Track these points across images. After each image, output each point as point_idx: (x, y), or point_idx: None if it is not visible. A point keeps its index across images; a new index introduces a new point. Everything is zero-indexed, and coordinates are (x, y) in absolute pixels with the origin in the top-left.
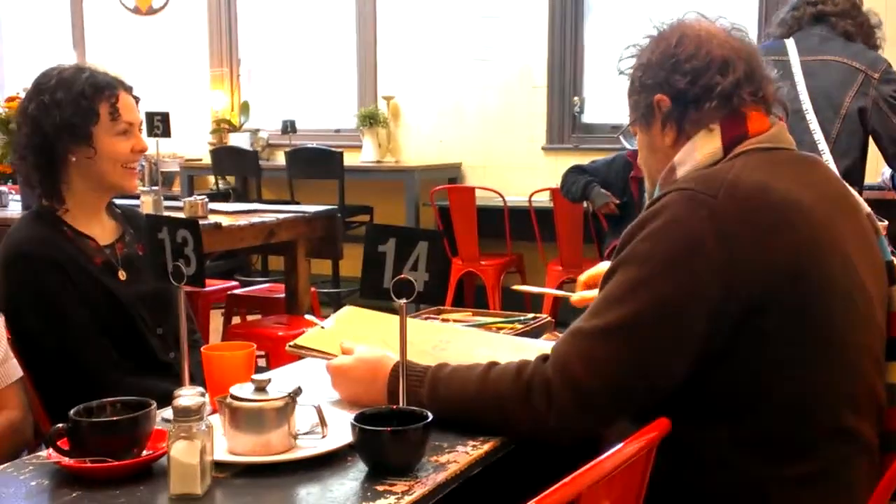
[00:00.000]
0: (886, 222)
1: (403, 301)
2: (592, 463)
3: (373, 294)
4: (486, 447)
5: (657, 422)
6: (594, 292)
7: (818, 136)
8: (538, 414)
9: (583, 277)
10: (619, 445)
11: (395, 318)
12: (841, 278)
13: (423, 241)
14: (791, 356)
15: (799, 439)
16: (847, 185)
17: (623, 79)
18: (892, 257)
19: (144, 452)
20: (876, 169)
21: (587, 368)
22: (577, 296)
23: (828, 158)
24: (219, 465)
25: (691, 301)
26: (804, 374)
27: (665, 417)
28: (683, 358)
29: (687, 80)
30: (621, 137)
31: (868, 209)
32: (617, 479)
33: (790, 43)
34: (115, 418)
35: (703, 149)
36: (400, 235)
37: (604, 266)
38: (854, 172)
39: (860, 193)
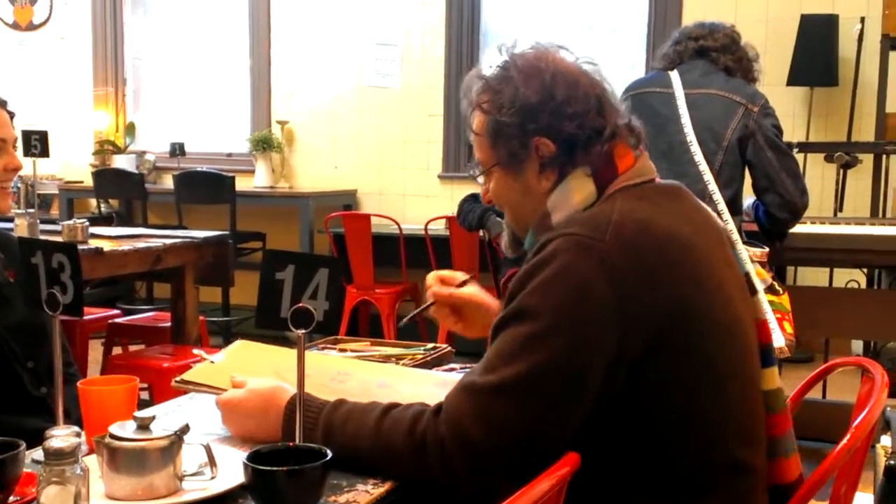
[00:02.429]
0: (767, 249)
1: (301, 331)
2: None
3: (269, 323)
4: (387, 485)
5: (567, 457)
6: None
7: (703, 167)
8: (432, 473)
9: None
10: (528, 484)
11: (289, 352)
12: (721, 311)
13: (324, 269)
14: (682, 396)
15: (699, 478)
16: (706, 206)
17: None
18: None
19: (12, 498)
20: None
21: (483, 428)
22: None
23: (713, 189)
24: None
25: (587, 351)
26: (696, 413)
27: (574, 452)
28: (581, 409)
29: (575, 124)
30: (476, 177)
31: (722, 224)
32: None
33: (674, 75)
34: None
35: (578, 192)
36: (299, 262)
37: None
38: (736, 202)
39: (742, 223)
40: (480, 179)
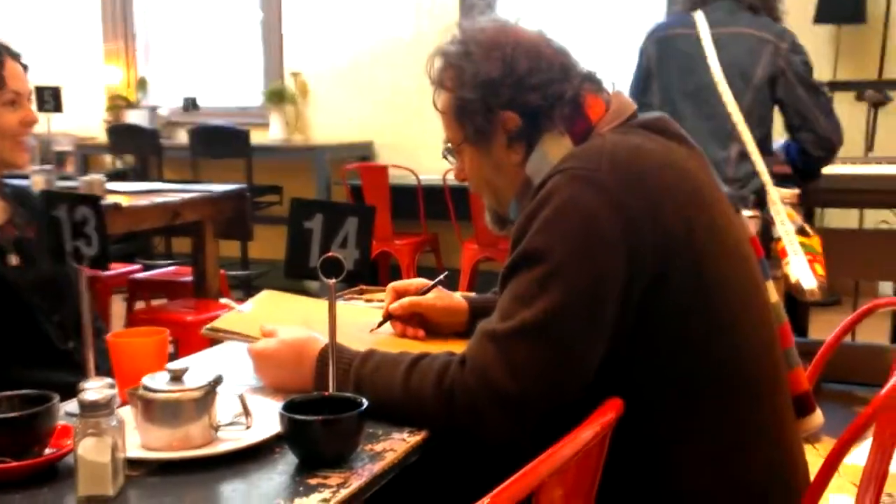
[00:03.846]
0: (798, 190)
1: (332, 280)
2: (549, 451)
3: (298, 273)
4: (423, 433)
5: (609, 403)
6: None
7: (732, 107)
8: (463, 424)
9: (395, 285)
10: (572, 431)
11: (316, 301)
12: (725, 232)
13: (353, 217)
14: (697, 321)
15: (721, 400)
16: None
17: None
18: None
19: (47, 451)
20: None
21: (510, 375)
22: (395, 304)
23: (742, 129)
24: (132, 463)
25: (601, 283)
26: (714, 336)
27: (617, 397)
28: (602, 343)
29: (538, 95)
30: (448, 156)
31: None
32: (571, 467)
33: (699, 16)
34: (13, 414)
35: (555, 151)
36: (328, 210)
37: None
38: (766, 142)
39: (773, 163)
40: (452, 158)
